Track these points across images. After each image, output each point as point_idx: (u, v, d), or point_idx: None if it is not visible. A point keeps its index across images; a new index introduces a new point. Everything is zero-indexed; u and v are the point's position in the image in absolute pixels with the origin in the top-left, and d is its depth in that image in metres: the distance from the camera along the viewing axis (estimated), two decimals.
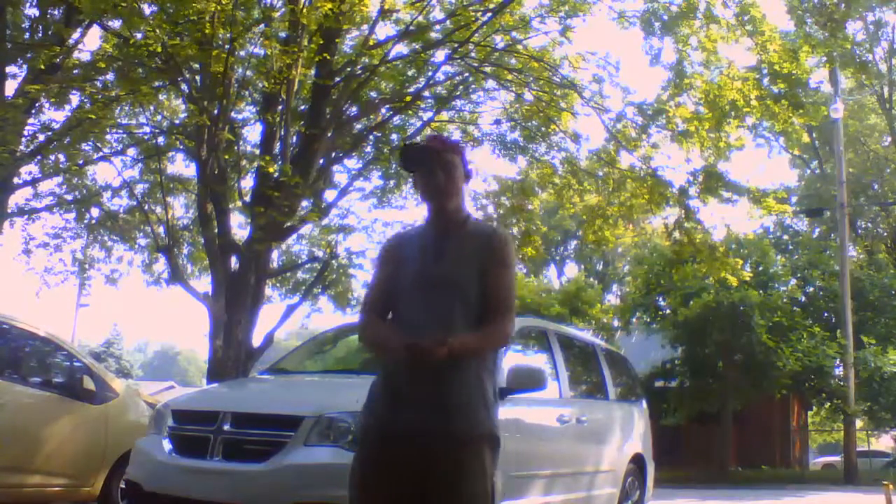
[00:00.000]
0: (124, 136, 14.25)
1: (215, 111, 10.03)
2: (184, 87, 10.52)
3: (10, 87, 12.25)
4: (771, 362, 18.97)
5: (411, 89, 12.59)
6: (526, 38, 12.38)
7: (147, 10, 10.06)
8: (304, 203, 11.61)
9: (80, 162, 13.98)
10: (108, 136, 13.72)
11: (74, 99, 12.35)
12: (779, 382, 19.64)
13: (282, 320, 11.86)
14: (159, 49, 9.28)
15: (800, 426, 28.09)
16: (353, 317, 14.88)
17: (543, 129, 13.22)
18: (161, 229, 13.13)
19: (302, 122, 11.29)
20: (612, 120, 12.83)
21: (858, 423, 22.59)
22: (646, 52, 12.87)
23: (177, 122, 13.24)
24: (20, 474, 5.88)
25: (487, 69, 12.41)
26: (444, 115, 14.04)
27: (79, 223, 15.65)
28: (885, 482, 10.35)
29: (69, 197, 15.15)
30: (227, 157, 10.83)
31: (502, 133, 14.43)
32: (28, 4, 12.78)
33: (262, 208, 9.90)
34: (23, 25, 13.08)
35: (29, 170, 13.89)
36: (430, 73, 12.50)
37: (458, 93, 13.55)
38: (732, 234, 17.01)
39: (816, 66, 14.81)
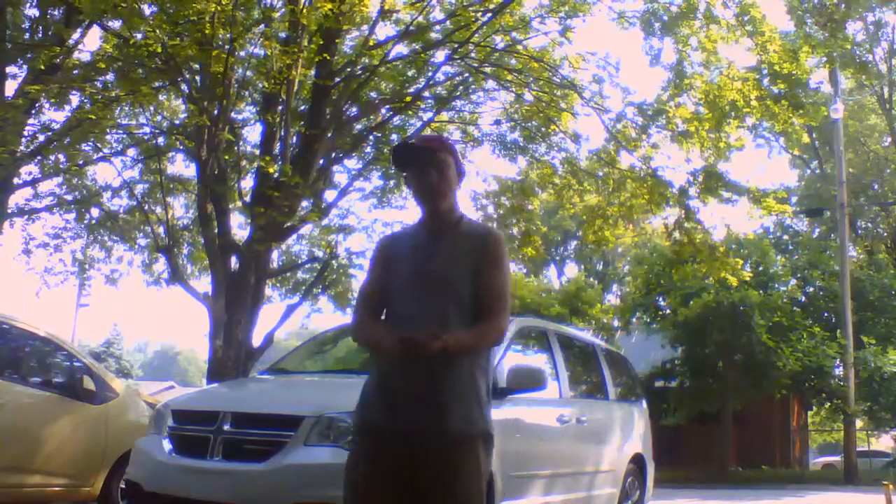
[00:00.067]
0: (124, 136, 14.26)
1: (215, 111, 10.03)
2: (184, 87, 10.52)
3: (10, 87, 12.27)
4: (771, 362, 18.98)
5: (411, 89, 12.59)
6: (526, 38, 12.39)
7: (147, 10, 10.06)
8: (304, 203, 11.61)
9: (80, 162, 13.97)
10: (108, 137, 13.72)
11: (74, 99, 12.37)
12: (779, 382, 19.64)
13: (282, 320, 11.87)
14: (159, 49, 9.29)
15: (800, 426, 28.10)
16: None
17: (543, 129, 13.22)
18: (161, 229, 13.13)
19: (302, 123, 11.29)
20: (612, 120, 12.84)
21: (858, 423, 22.59)
22: (646, 52, 12.90)
23: (177, 122, 13.24)
24: (20, 474, 5.89)
25: (487, 69, 12.41)
26: (444, 116, 14.04)
27: (79, 223, 15.66)
28: (885, 482, 10.35)
29: (69, 197, 15.16)
30: (227, 157, 10.83)
31: (502, 133, 14.44)
32: (28, 4, 12.79)
33: (262, 208, 9.90)
34: (23, 25, 13.08)
35: (29, 170, 13.90)
36: (430, 74, 12.50)
37: (458, 93, 13.55)
38: (732, 234, 17.02)
39: (816, 66, 14.81)
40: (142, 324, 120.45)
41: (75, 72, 12.08)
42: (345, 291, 15.77)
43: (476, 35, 11.43)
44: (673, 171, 12.69)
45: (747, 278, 15.02)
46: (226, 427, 4.51)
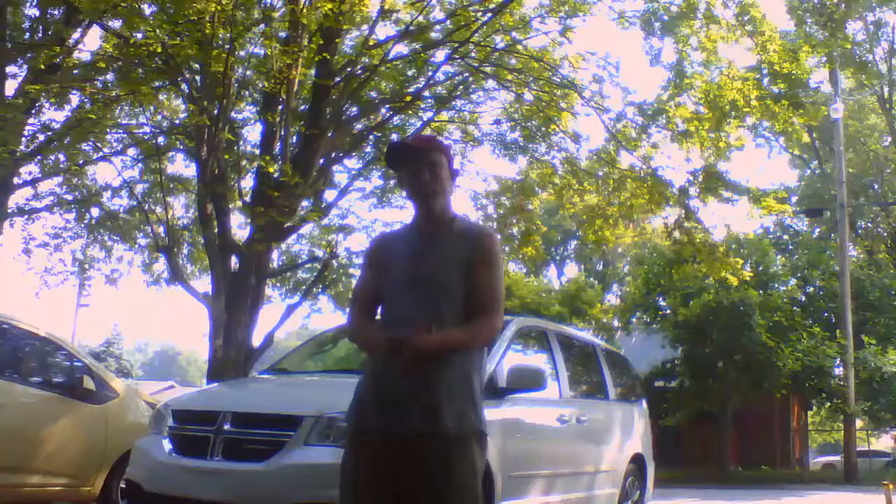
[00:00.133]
0: (124, 136, 14.25)
1: (215, 111, 10.03)
2: (184, 87, 10.52)
3: (10, 87, 12.26)
4: (771, 362, 18.97)
5: (411, 89, 12.59)
6: (526, 38, 12.39)
7: (147, 10, 10.07)
8: (304, 203, 11.61)
9: (80, 162, 13.99)
10: (108, 136, 13.73)
11: (74, 99, 12.38)
12: (779, 382, 19.63)
13: (282, 320, 11.87)
14: (159, 49, 9.28)
15: (800, 426, 28.09)
16: None
17: (543, 129, 13.21)
18: (161, 229, 13.12)
19: (302, 122, 11.29)
20: (612, 120, 12.84)
21: (858, 423, 22.59)
22: (646, 52, 12.92)
23: (177, 122, 13.24)
24: (20, 474, 5.88)
25: (487, 69, 12.41)
26: (444, 115, 14.04)
27: (79, 223, 15.67)
28: (886, 482, 10.35)
29: (69, 197, 15.17)
30: (227, 157, 10.83)
31: (502, 133, 14.45)
32: (28, 4, 12.79)
33: (262, 208, 9.90)
34: (23, 25, 13.08)
35: (29, 170, 13.93)
36: (430, 73, 12.50)
37: (458, 93, 13.55)
38: (732, 234, 17.00)
39: (816, 66, 14.83)
40: (142, 324, 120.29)
41: (75, 72, 12.09)
42: (345, 291, 15.77)
43: (476, 35, 11.43)
44: (673, 171, 12.72)
45: (747, 278, 15.00)
46: (226, 427, 4.51)
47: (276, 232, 10.62)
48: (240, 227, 13.14)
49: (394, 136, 13.49)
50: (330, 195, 13.90)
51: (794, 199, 27.67)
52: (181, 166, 28.64)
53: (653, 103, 12.85)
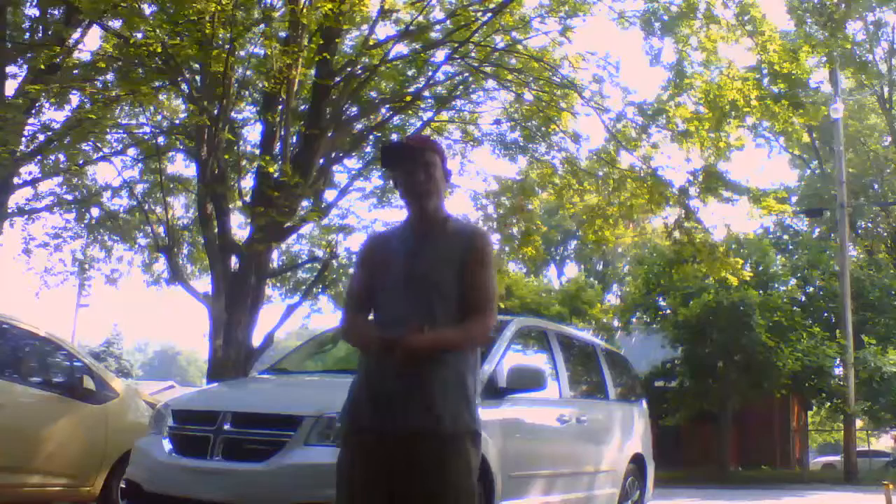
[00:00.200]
0: (124, 136, 14.25)
1: (215, 111, 10.02)
2: (184, 87, 10.52)
3: (10, 87, 12.26)
4: (771, 362, 18.97)
5: (411, 89, 12.59)
6: (526, 38, 12.39)
7: (147, 10, 10.07)
8: (304, 203, 11.61)
9: (80, 162, 13.98)
10: (108, 136, 13.73)
11: (74, 99, 12.37)
12: (779, 382, 19.63)
13: (282, 320, 11.87)
14: (159, 49, 9.28)
15: (800, 426, 28.10)
16: None
17: (543, 129, 13.22)
18: (161, 229, 13.12)
19: (302, 122, 11.29)
20: (612, 120, 12.84)
21: (858, 423, 22.59)
22: (646, 52, 12.92)
23: (177, 122, 13.24)
24: (20, 474, 5.88)
25: (487, 69, 12.41)
26: (444, 115, 14.04)
27: (79, 223, 15.67)
28: (886, 482, 10.35)
29: (69, 197, 15.16)
30: (227, 157, 10.83)
31: (502, 133, 14.45)
32: (28, 4, 12.79)
33: (262, 208, 9.90)
34: (23, 25, 13.08)
35: (29, 170, 13.92)
36: (430, 73, 12.50)
37: (458, 93, 13.55)
38: (732, 234, 16.99)
39: (816, 66, 14.83)
40: (142, 324, 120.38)
41: (75, 72, 12.08)
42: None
43: (476, 35, 11.43)
44: (673, 171, 12.72)
45: (747, 278, 15.00)
46: (226, 427, 4.51)
47: (276, 232, 10.62)
48: (240, 227, 13.16)
49: (394, 136, 13.50)
50: (330, 195, 13.92)
51: (794, 199, 27.68)
52: (181, 166, 28.66)
53: (653, 103, 12.85)
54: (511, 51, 12.25)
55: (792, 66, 11.69)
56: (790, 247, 24.25)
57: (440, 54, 12.45)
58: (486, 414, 4.78)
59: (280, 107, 10.74)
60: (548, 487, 5.61)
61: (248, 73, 11.73)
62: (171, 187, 14.55)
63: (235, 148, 12.03)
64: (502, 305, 21.21)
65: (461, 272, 2.61)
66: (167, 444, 4.71)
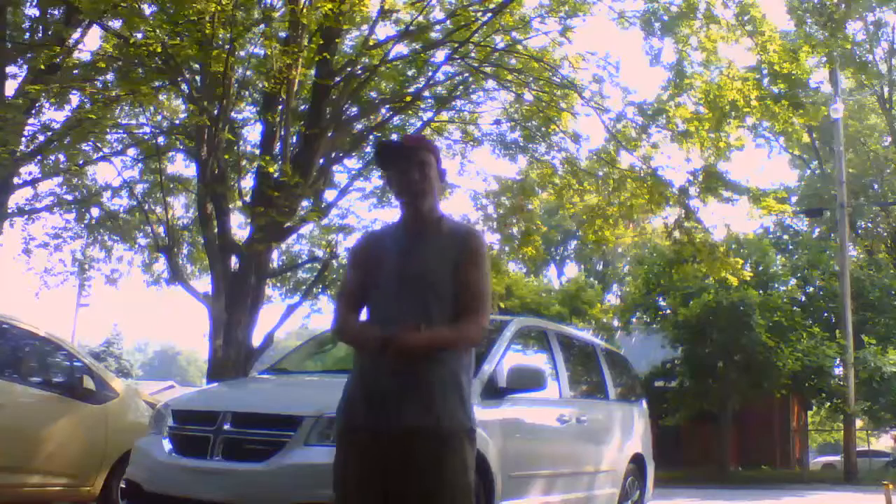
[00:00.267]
0: (124, 136, 14.26)
1: (215, 111, 10.02)
2: (184, 87, 10.52)
3: (10, 87, 12.26)
4: (771, 362, 18.98)
5: (411, 89, 12.59)
6: (526, 38, 12.39)
7: (147, 10, 10.07)
8: (304, 203, 11.61)
9: (80, 162, 13.98)
10: (108, 136, 13.73)
11: (74, 99, 12.37)
12: (779, 382, 19.64)
13: (282, 320, 11.88)
14: (159, 49, 9.28)
15: (800, 426, 28.10)
16: None
17: (543, 129, 13.22)
18: (161, 229, 13.12)
19: (302, 122, 11.29)
20: (612, 120, 12.85)
21: (858, 423, 22.59)
22: (646, 52, 12.92)
23: (177, 122, 13.24)
24: (20, 474, 5.88)
25: (487, 69, 12.41)
26: (444, 115, 14.04)
27: (79, 223, 15.66)
28: (885, 482, 10.35)
29: (69, 197, 15.16)
30: (227, 157, 10.83)
31: (502, 133, 14.45)
32: (28, 4, 12.79)
33: (262, 208, 9.90)
34: (23, 25, 13.08)
35: (29, 170, 13.92)
36: (430, 73, 12.50)
37: (458, 93, 13.55)
38: (732, 234, 17.01)
39: (816, 66, 14.83)
40: (142, 324, 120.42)
41: (75, 72, 12.08)
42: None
43: (476, 35, 11.43)
44: (673, 171, 12.73)
45: (747, 278, 15.00)
46: (226, 427, 4.51)
47: (276, 232, 10.62)
48: (240, 227, 13.16)
49: (394, 137, 13.50)
50: (330, 195, 13.90)
51: (794, 199, 27.69)
52: (181, 166, 28.69)
53: (653, 103, 12.85)
54: (511, 51, 12.25)
55: (792, 66, 11.69)
56: (790, 247, 24.26)
57: (440, 54, 12.47)
58: (486, 414, 4.80)
59: (280, 107, 10.74)
60: (548, 487, 5.61)
61: (248, 73, 11.73)
62: (171, 187, 14.55)
63: (235, 148, 12.03)
64: (502, 305, 21.26)
65: (454, 272, 2.61)
66: (167, 444, 4.71)
